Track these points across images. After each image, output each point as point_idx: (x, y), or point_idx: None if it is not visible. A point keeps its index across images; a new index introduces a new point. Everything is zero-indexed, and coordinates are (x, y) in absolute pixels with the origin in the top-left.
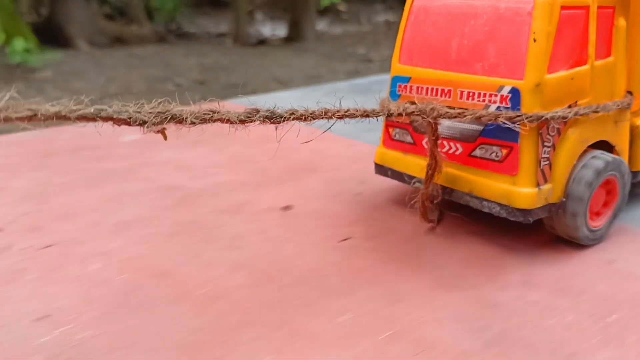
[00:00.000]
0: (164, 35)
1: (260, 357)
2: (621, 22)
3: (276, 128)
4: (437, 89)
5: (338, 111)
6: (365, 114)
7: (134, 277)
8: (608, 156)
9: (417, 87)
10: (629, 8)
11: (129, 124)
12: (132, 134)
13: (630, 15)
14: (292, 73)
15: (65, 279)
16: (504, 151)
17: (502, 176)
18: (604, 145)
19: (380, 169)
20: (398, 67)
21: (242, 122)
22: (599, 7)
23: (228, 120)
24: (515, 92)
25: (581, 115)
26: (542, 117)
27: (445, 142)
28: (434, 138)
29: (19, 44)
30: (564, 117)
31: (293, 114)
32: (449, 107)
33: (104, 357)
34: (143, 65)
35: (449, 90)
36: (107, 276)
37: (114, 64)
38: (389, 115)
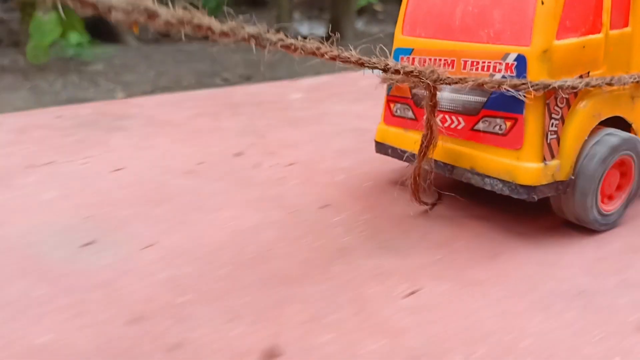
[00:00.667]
0: None
1: None
2: None
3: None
4: (440, 60)
5: (332, 51)
6: (361, 62)
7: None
8: (624, 134)
9: (420, 59)
10: None
11: (96, 8)
12: (297, 93)
13: None
14: (335, 70)
15: (322, 184)
16: (508, 123)
17: (506, 151)
18: (620, 123)
19: (381, 147)
20: (400, 39)
21: (224, 34)
22: None
23: (209, 29)
24: (521, 60)
25: (593, 86)
26: (550, 85)
27: (447, 116)
28: (431, 104)
29: (74, 37)
30: (573, 88)
31: (282, 40)
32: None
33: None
34: (191, 60)
35: (452, 61)
36: (354, 183)
37: (162, 59)
38: (386, 69)
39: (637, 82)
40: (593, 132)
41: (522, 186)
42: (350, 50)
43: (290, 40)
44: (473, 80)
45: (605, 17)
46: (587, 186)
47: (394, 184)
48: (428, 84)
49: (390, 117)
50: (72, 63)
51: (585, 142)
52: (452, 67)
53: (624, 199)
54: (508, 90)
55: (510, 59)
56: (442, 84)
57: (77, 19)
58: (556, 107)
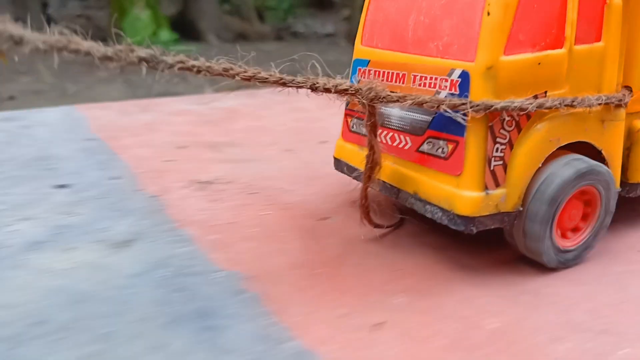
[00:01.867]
0: (280, 33)
1: None
2: (616, 1)
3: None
4: (392, 74)
5: (245, 71)
6: (282, 82)
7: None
8: (585, 162)
9: (375, 72)
10: None
11: None
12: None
13: None
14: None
15: None
16: (450, 146)
17: (447, 176)
18: (587, 149)
19: (338, 164)
20: (359, 49)
21: (107, 59)
22: None
23: (88, 53)
24: (465, 77)
25: (548, 108)
26: (492, 106)
27: (396, 135)
28: (370, 124)
29: (164, 35)
30: (522, 109)
31: (181, 62)
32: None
33: None
34: (270, 60)
35: (403, 75)
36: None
37: (243, 57)
38: (314, 88)
39: (607, 104)
40: (550, 159)
41: (459, 216)
42: (262, 71)
43: (192, 62)
44: (412, 99)
45: (569, 31)
46: (539, 220)
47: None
48: (364, 103)
49: (348, 133)
50: None
51: (539, 170)
52: (403, 82)
53: (589, 233)
54: (446, 111)
55: (455, 76)
56: (380, 102)
57: (165, 18)
58: (502, 131)
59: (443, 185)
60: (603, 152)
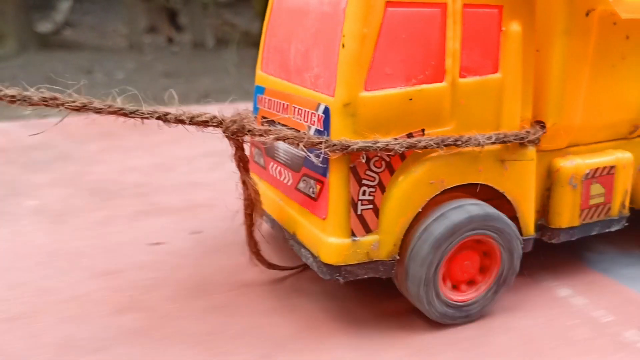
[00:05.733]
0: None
1: None
2: (514, 27)
3: None
4: (280, 103)
5: (73, 101)
6: (122, 113)
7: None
8: (476, 207)
9: (269, 100)
10: (530, 8)
11: None
12: None
13: (533, 17)
14: None
15: None
16: (318, 187)
17: (316, 219)
18: (490, 192)
19: None
20: (258, 75)
21: None
22: (467, 6)
23: None
24: (327, 113)
25: (422, 148)
26: (349, 146)
27: (282, 169)
28: (237, 158)
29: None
30: (387, 150)
31: None
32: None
33: None
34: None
35: (287, 106)
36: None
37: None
38: (164, 119)
39: (504, 142)
40: (435, 204)
41: (325, 264)
42: (96, 101)
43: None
44: (276, 134)
45: (450, 62)
46: (420, 272)
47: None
48: (227, 136)
49: (252, 163)
50: None
51: (420, 215)
52: (287, 112)
53: (489, 286)
54: (303, 150)
55: (320, 111)
56: (245, 135)
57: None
58: (369, 172)
59: (313, 229)
60: (506, 195)
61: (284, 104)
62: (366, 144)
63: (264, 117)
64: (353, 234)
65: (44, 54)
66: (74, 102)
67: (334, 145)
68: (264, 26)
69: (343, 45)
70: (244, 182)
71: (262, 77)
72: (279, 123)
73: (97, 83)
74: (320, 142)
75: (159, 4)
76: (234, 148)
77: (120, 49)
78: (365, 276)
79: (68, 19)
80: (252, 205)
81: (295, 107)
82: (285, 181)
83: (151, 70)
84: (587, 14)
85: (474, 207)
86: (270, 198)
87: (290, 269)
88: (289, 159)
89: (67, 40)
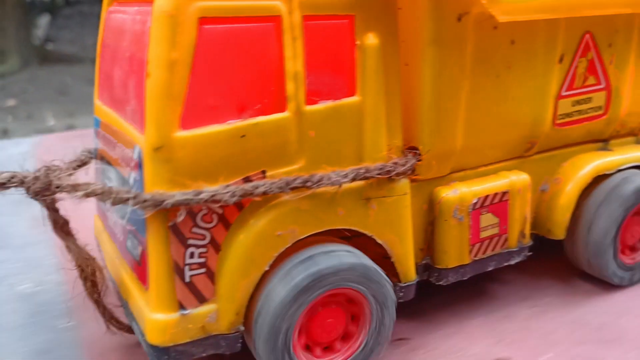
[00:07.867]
0: None
1: None
2: (370, 40)
3: None
4: (110, 140)
5: None
6: None
7: None
8: (333, 259)
9: (103, 136)
10: (389, 16)
11: None
12: None
13: (394, 27)
14: None
15: None
16: (140, 248)
17: (142, 288)
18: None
19: (99, 246)
20: (96, 105)
21: None
22: (307, 18)
23: None
24: (140, 157)
25: (261, 195)
26: (163, 201)
27: (116, 221)
28: (51, 221)
29: None
30: (215, 201)
31: None
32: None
33: None
34: None
35: (114, 143)
36: None
37: None
38: None
39: (366, 178)
40: (285, 258)
41: (151, 345)
42: None
43: None
44: (84, 190)
45: (293, 87)
46: (270, 340)
47: None
48: (32, 197)
49: (98, 207)
50: None
51: (267, 274)
52: (115, 151)
53: (355, 352)
54: (114, 205)
55: (136, 154)
56: (50, 195)
57: None
58: (196, 230)
59: (140, 300)
60: (376, 238)
61: (113, 141)
62: (185, 197)
63: (102, 158)
64: (182, 307)
65: (46, 68)
66: None
67: (145, 200)
68: (98, 50)
69: (149, 75)
70: (67, 247)
71: (98, 107)
72: (111, 165)
73: None
74: (128, 199)
75: None
76: (46, 209)
77: None
78: (205, 354)
79: (48, 34)
80: (87, 270)
81: (119, 146)
82: (118, 236)
83: None
84: (459, 19)
85: (327, 258)
86: (109, 253)
87: None
88: (119, 211)
89: (64, 53)
